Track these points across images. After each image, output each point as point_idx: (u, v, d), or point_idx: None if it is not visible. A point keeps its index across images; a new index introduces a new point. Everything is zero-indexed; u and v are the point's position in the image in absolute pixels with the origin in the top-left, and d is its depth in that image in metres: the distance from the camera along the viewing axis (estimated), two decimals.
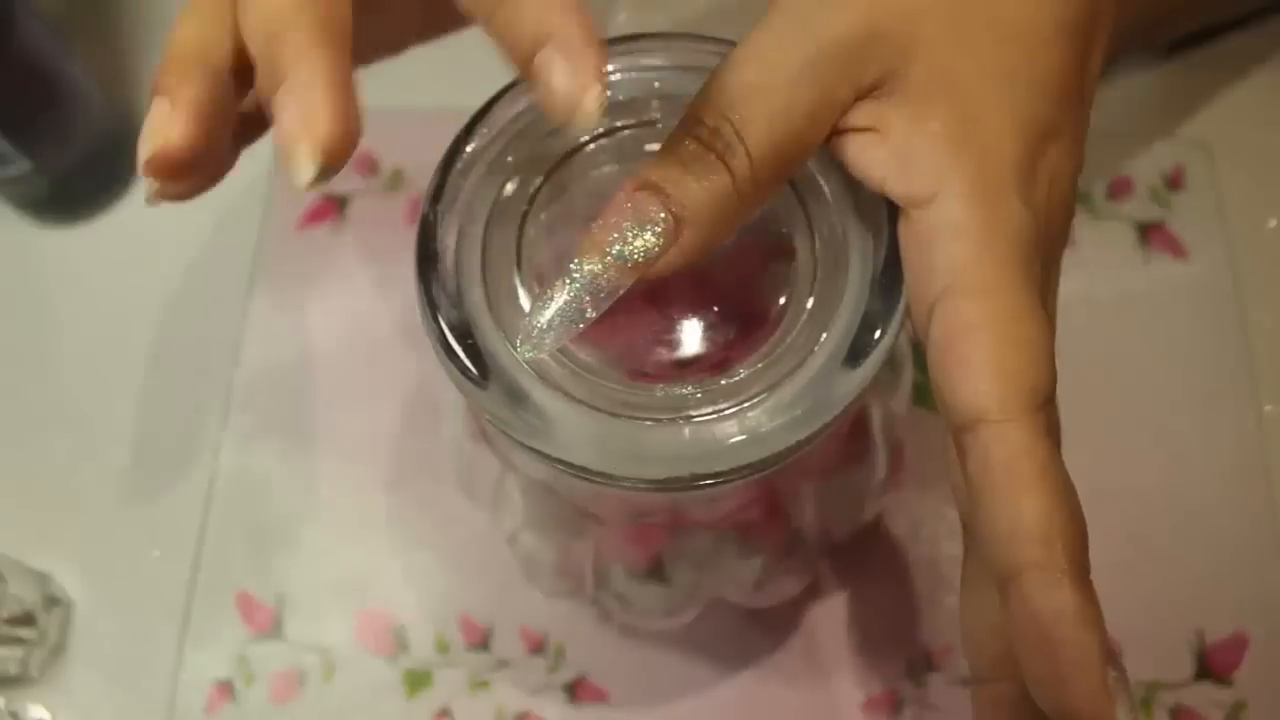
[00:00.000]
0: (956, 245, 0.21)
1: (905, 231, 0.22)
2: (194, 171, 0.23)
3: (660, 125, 0.27)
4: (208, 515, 0.39)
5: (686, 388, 0.24)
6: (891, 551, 0.38)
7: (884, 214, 0.24)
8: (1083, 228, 0.42)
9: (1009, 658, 0.21)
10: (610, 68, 0.27)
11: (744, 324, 0.25)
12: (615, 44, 0.27)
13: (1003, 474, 0.20)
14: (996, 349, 0.20)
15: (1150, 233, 0.42)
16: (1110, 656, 0.19)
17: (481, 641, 0.38)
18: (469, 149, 0.26)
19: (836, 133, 0.22)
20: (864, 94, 0.22)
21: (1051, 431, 0.21)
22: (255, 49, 0.21)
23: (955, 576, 0.24)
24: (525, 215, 0.26)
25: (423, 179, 0.43)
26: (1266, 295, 0.41)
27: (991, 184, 0.21)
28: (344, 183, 0.44)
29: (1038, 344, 0.21)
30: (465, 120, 0.26)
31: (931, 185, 0.21)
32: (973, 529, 0.22)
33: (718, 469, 0.23)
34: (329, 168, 0.20)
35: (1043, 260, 0.22)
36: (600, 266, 0.21)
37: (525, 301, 0.25)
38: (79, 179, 0.43)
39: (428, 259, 0.25)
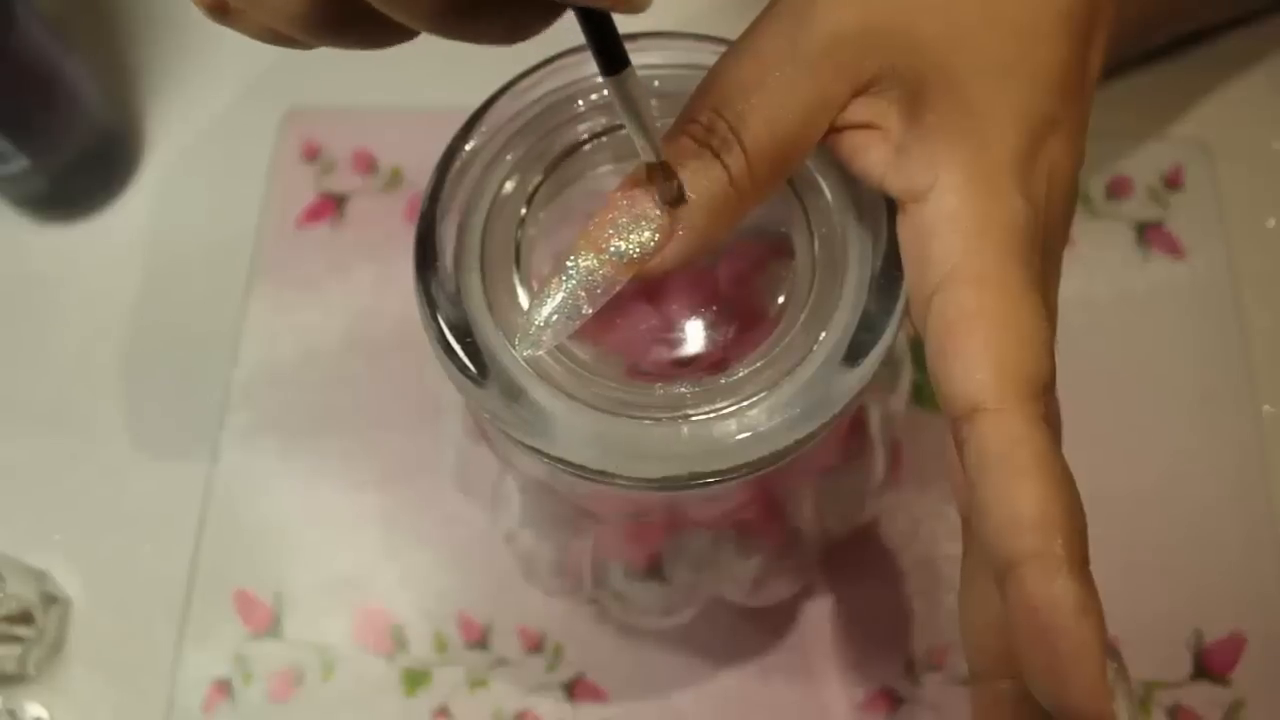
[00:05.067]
0: (953, 236, 0.21)
1: (904, 226, 0.22)
2: None
3: (659, 124, 0.26)
4: (206, 514, 0.39)
5: (685, 386, 0.24)
6: (890, 551, 0.38)
7: (883, 213, 0.24)
8: (1081, 227, 0.42)
9: (1008, 655, 0.21)
10: None
11: (743, 323, 0.25)
12: None
13: (999, 463, 0.20)
14: (993, 337, 0.20)
15: (1149, 232, 0.42)
16: (1109, 649, 0.19)
17: (480, 640, 0.38)
18: (467, 148, 0.26)
19: (834, 130, 0.22)
20: (861, 90, 0.22)
21: (1051, 421, 0.20)
22: None
23: (953, 575, 0.24)
24: (524, 214, 0.26)
25: (421, 178, 0.43)
26: (1265, 295, 0.41)
27: (989, 176, 0.21)
28: (343, 181, 0.44)
29: (1035, 333, 0.21)
30: (464, 119, 0.26)
31: (928, 178, 0.21)
32: (971, 521, 0.21)
33: (716, 468, 0.23)
34: None
35: (1042, 253, 0.22)
36: (596, 263, 0.21)
37: (524, 300, 0.25)
38: (77, 177, 0.43)
39: (427, 257, 0.25)
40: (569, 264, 0.22)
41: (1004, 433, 0.20)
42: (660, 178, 0.21)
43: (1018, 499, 0.19)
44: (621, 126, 0.26)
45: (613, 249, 0.21)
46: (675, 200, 0.21)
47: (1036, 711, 0.20)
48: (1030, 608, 0.19)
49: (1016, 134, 0.22)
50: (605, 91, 0.27)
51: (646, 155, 0.21)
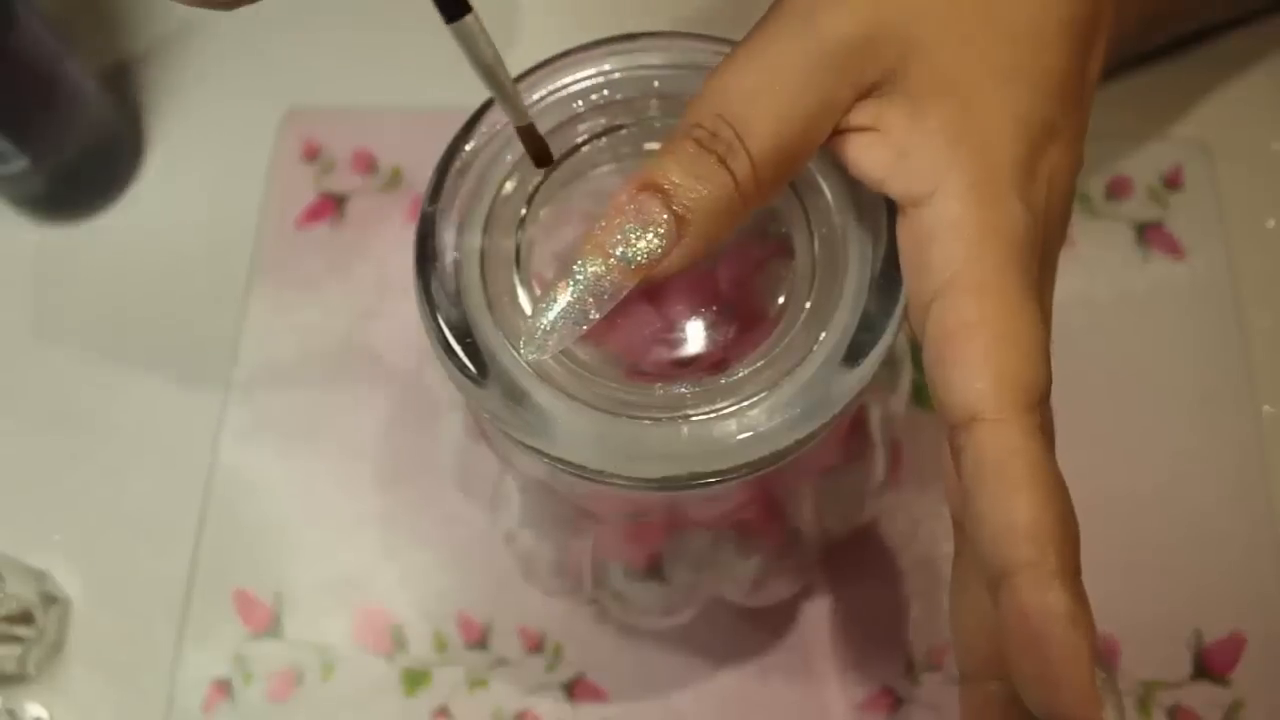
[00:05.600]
0: (954, 243, 0.21)
1: (904, 230, 0.22)
2: None
3: (659, 125, 0.27)
4: (206, 513, 0.39)
5: (685, 387, 0.24)
6: (889, 551, 0.38)
7: (883, 214, 0.24)
8: (1081, 227, 0.42)
9: (998, 658, 0.21)
10: (608, 66, 0.27)
11: (743, 323, 0.25)
12: (614, 43, 0.27)
13: (996, 473, 0.20)
14: (992, 347, 0.20)
15: (1149, 233, 0.42)
16: (1099, 658, 0.19)
17: (480, 640, 0.38)
18: (468, 148, 0.26)
19: (836, 132, 0.22)
20: (864, 94, 0.22)
21: (1046, 431, 0.21)
22: None
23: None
24: (524, 214, 0.26)
25: (421, 178, 0.43)
26: (1265, 295, 0.41)
27: (990, 182, 0.21)
28: (343, 181, 0.44)
29: (1033, 343, 0.21)
30: (464, 119, 0.26)
31: (930, 183, 0.21)
32: (965, 528, 0.22)
33: (716, 468, 0.23)
34: None
35: (1040, 260, 0.22)
36: (603, 268, 0.21)
37: (524, 300, 0.25)
38: (77, 177, 0.43)
39: (427, 258, 0.25)
40: (575, 269, 0.22)
41: (1001, 443, 0.20)
42: (526, 140, 0.22)
43: (1013, 509, 0.19)
44: (621, 126, 0.26)
45: (619, 254, 0.21)
46: (541, 162, 0.23)
47: (1025, 714, 0.20)
48: (1022, 617, 0.19)
49: (1017, 140, 0.22)
50: (606, 92, 0.27)
51: (507, 115, 0.22)
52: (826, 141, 0.23)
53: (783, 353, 0.24)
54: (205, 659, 0.38)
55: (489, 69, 0.21)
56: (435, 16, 0.22)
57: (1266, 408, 0.39)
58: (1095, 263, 0.41)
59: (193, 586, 0.39)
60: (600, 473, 0.23)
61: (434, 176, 0.26)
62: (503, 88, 0.22)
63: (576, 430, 0.23)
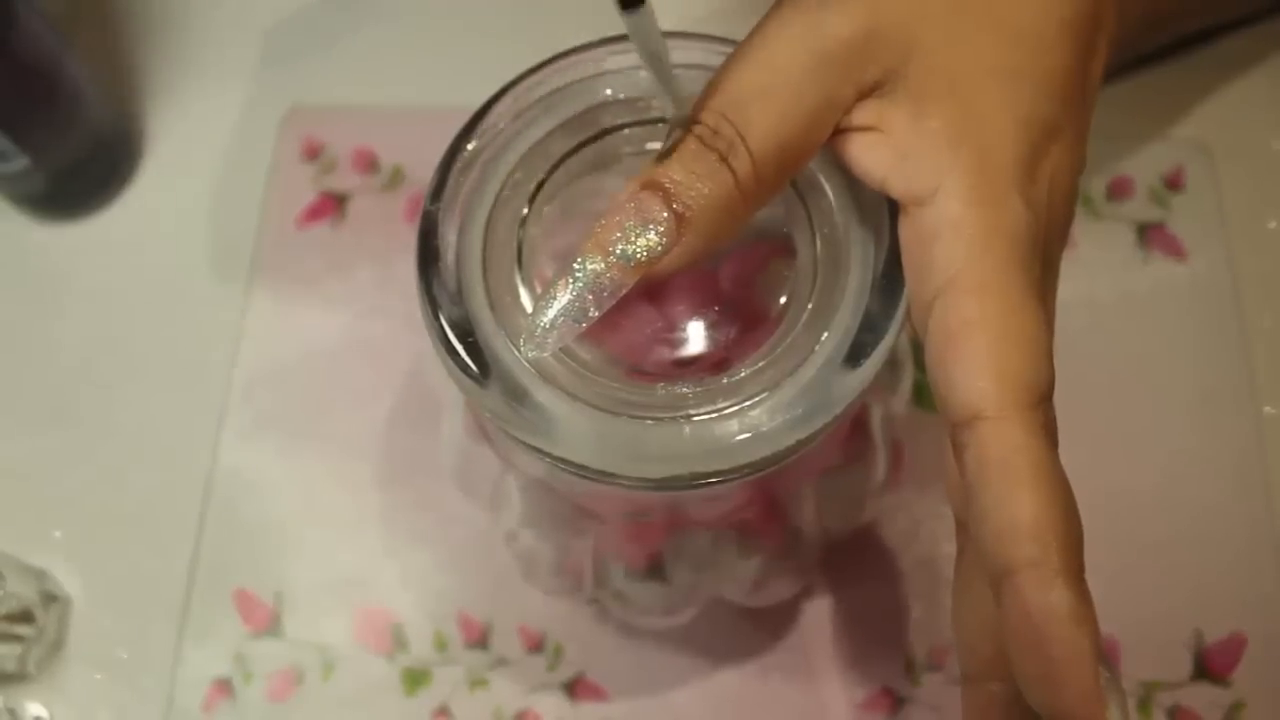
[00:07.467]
0: (956, 243, 0.21)
1: (905, 229, 0.22)
2: None
3: (661, 124, 0.27)
4: (206, 512, 0.39)
5: (687, 386, 0.24)
6: (890, 551, 0.38)
7: (885, 214, 0.24)
8: (1083, 228, 0.42)
9: (1001, 658, 0.21)
10: (610, 65, 0.27)
11: (745, 323, 0.25)
12: (616, 42, 0.27)
13: (998, 471, 0.20)
14: (994, 346, 0.20)
15: (1150, 233, 0.42)
16: (1103, 657, 0.19)
17: (480, 640, 0.38)
18: (470, 147, 0.26)
19: (838, 132, 0.22)
20: (866, 93, 0.22)
21: (1048, 429, 0.21)
22: None
23: (953, 576, 0.24)
24: (526, 213, 0.26)
25: (422, 177, 0.43)
26: (1266, 296, 0.41)
27: (992, 182, 0.21)
28: (343, 180, 0.44)
29: (1036, 341, 0.21)
30: (465, 118, 0.26)
31: (931, 183, 0.21)
32: (968, 527, 0.22)
33: (718, 468, 0.23)
34: None
35: (1042, 259, 0.22)
36: (603, 265, 0.21)
37: (526, 299, 0.25)
38: (77, 176, 0.43)
39: (429, 257, 0.25)
40: (575, 267, 0.22)
41: (1004, 441, 0.20)
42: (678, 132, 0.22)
43: (1016, 507, 0.19)
44: (624, 126, 0.26)
45: (619, 252, 0.21)
46: (663, 156, 0.22)
47: (1028, 714, 0.20)
48: (1025, 616, 0.19)
49: (1019, 140, 0.22)
50: (609, 91, 0.27)
51: (665, 104, 0.22)
52: (828, 141, 0.23)
53: (784, 353, 0.24)
54: (205, 658, 0.38)
55: (656, 58, 0.21)
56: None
57: (1267, 408, 0.39)
58: (1096, 263, 0.41)
59: (193, 586, 0.39)
60: (601, 472, 0.23)
61: (436, 175, 0.26)
62: (667, 77, 0.22)
63: (578, 430, 0.23)
